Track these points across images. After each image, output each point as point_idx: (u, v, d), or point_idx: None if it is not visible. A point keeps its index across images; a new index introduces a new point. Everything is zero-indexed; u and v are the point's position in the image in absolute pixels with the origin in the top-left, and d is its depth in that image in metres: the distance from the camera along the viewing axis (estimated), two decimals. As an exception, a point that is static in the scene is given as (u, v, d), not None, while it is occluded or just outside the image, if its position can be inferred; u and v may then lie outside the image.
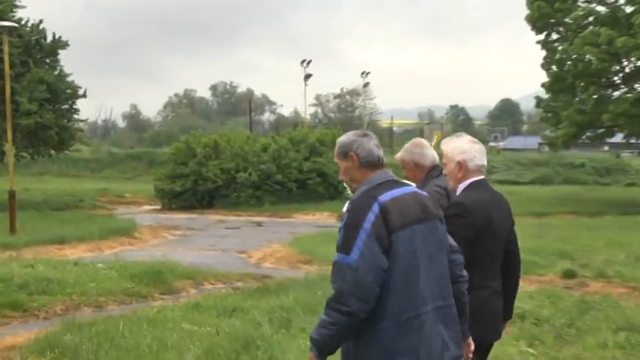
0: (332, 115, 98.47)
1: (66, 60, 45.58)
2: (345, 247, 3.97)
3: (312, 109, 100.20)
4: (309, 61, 68.02)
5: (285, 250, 20.48)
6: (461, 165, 5.10)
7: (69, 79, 38.07)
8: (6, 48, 25.35)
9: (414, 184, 4.70)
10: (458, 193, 5.10)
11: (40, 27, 37.10)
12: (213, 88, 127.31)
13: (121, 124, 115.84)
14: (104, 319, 10.23)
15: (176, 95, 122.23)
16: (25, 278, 13.06)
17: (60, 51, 37.99)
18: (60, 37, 37.61)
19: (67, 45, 37.92)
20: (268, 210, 35.92)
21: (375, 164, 4.24)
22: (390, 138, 78.18)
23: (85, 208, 35.79)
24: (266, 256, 19.97)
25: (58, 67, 38.13)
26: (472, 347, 4.51)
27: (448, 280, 4.21)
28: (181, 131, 70.77)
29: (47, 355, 8.49)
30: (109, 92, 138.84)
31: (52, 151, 38.36)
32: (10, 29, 27.35)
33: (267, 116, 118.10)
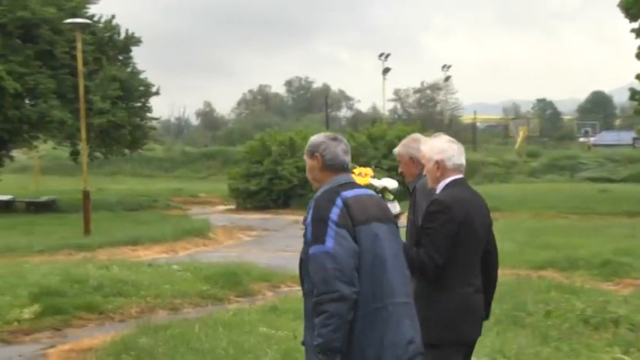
0: (412, 110, 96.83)
1: (139, 57, 45.20)
2: (317, 238, 4.16)
3: (391, 105, 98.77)
4: (388, 55, 67.03)
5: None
6: (439, 164, 5.27)
7: (142, 76, 37.83)
8: (79, 45, 24.98)
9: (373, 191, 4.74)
10: (437, 192, 5.23)
11: (113, 23, 36.77)
12: (288, 83, 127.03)
13: (195, 122, 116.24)
14: (179, 322, 10.32)
15: (250, 92, 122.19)
16: (100, 280, 13.07)
17: (133, 48, 37.72)
18: (133, 33, 37.34)
19: (140, 41, 37.61)
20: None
21: (338, 168, 4.47)
22: (473, 134, 75.94)
23: (158, 209, 35.60)
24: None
25: (131, 65, 37.87)
26: None
27: (408, 280, 4.48)
28: (255, 129, 70.28)
29: (123, 358, 8.52)
30: (183, 90, 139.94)
31: (126, 151, 38.15)
32: (83, 26, 26.97)
33: (344, 112, 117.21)
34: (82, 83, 25.02)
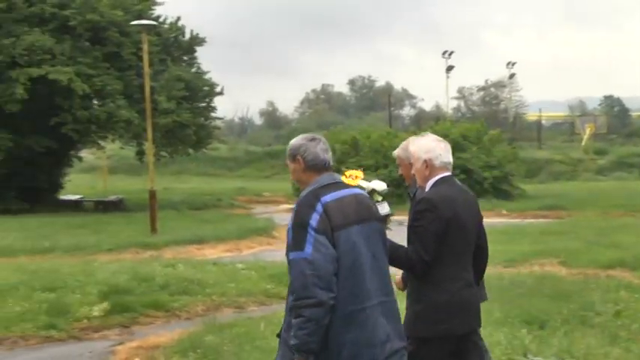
0: (475, 108, 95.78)
1: (203, 57, 45.65)
2: (297, 244, 4.28)
3: (455, 103, 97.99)
4: (451, 53, 66.63)
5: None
6: (427, 163, 5.38)
7: (206, 76, 38.10)
8: (145, 46, 25.34)
9: (357, 187, 4.81)
10: (427, 190, 5.35)
11: (178, 24, 37.14)
12: (351, 82, 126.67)
13: (258, 121, 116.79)
14: (244, 320, 10.32)
15: (313, 91, 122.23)
16: (166, 278, 13.19)
17: (197, 48, 38.01)
18: (197, 34, 37.67)
19: (205, 42, 37.94)
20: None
21: (320, 167, 4.55)
22: (538, 132, 74.88)
23: (223, 208, 35.84)
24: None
25: (196, 65, 38.20)
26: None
27: (390, 277, 4.59)
28: (318, 127, 70.44)
29: (190, 356, 8.55)
30: (246, 89, 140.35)
31: (190, 150, 38.46)
32: (149, 28, 27.38)
33: (407, 111, 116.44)
34: (147, 84, 25.35)
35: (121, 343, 10.00)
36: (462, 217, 5.24)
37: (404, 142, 6.24)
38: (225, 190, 43.21)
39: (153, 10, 36.47)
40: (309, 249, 4.26)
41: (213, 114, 38.74)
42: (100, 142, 38.05)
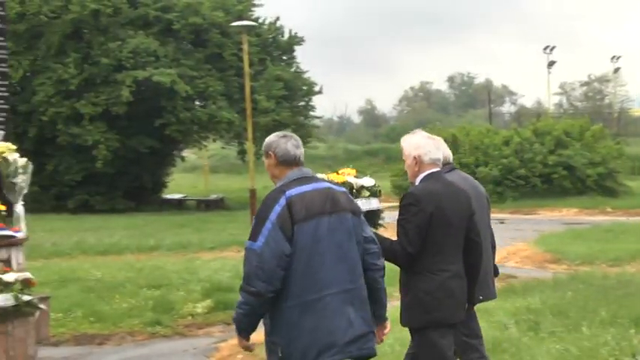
0: (578, 104, 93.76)
1: (302, 57, 46.11)
2: (253, 235, 4.59)
3: (556, 99, 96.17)
4: (553, 48, 65.48)
5: (530, 248, 19.41)
6: (417, 159, 5.63)
7: (305, 75, 38.32)
8: (245, 47, 25.70)
9: (328, 181, 5.02)
10: (416, 184, 5.62)
11: (277, 24, 37.49)
12: (450, 79, 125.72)
13: (357, 119, 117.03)
14: None
15: (411, 88, 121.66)
16: None
17: (296, 48, 38.27)
18: (296, 33, 37.93)
19: (303, 41, 38.20)
20: (510, 206, 34.23)
21: (290, 163, 4.83)
22: (644, 128, 73.03)
23: (323, 205, 35.81)
24: (509, 254, 18.95)
25: (295, 64, 38.45)
26: (387, 330, 5.09)
27: (358, 266, 4.74)
28: (417, 125, 69.75)
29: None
30: (344, 88, 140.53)
31: (290, 149, 38.64)
32: (249, 28, 27.76)
33: (507, 107, 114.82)
34: (248, 84, 25.70)
35: (224, 340, 10.11)
36: (447, 211, 5.44)
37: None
38: (324, 189, 43.34)
39: (252, 11, 36.96)
40: (260, 242, 4.55)
41: (312, 113, 39.01)
42: (201, 142, 38.73)
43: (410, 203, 5.46)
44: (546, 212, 32.68)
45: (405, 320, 5.55)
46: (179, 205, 35.38)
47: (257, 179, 27.82)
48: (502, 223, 28.87)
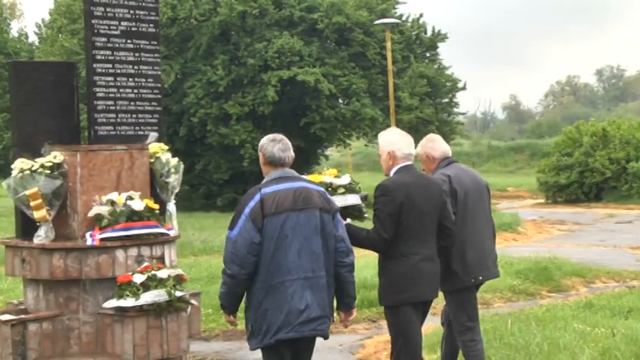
0: None
1: (445, 53, 45.76)
2: (231, 225, 5.47)
3: None
4: None
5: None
6: (391, 154, 6.32)
7: (448, 72, 38.12)
8: (389, 44, 25.86)
9: (307, 181, 5.74)
10: (389, 177, 6.29)
11: (420, 21, 37.39)
12: (599, 72, 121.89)
13: (501, 115, 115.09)
14: (491, 317, 10.31)
15: (558, 83, 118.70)
16: None
17: (439, 44, 38.09)
18: (439, 30, 37.74)
19: (447, 38, 37.96)
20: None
21: (275, 164, 5.64)
22: None
23: (466, 203, 35.50)
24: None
25: (438, 61, 38.28)
26: (352, 317, 5.89)
27: (320, 258, 5.49)
28: (564, 120, 68.37)
29: (438, 352, 8.55)
30: (488, 84, 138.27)
31: (434, 146, 38.50)
32: (392, 26, 27.83)
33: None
34: (391, 81, 25.80)
35: (369, 337, 10.24)
36: (416, 200, 6.14)
37: (422, 141, 7.22)
38: (468, 186, 42.90)
39: (396, 8, 37.05)
40: (236, 231, 5.41)
41: (455, 109, 38.79)
42: (345, 139, 39.04)
43: (382, 194, 6.15)
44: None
45: (382, 299, 6.28)
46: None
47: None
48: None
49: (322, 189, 5.72)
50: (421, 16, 37.63)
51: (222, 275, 5.52)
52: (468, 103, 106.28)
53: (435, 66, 37.89)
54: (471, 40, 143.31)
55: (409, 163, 6.31)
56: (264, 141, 5.74)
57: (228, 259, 5.45)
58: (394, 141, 6.38)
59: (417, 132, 35.86)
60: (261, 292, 5.43)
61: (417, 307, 6.22)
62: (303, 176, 5.93)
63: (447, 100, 37.96)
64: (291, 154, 5.72)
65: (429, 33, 37.70)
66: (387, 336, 10.02)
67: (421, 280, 6.15)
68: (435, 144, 7.18)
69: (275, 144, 5.69)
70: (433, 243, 6.27)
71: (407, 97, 33.98)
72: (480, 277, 7.06)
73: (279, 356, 5.56)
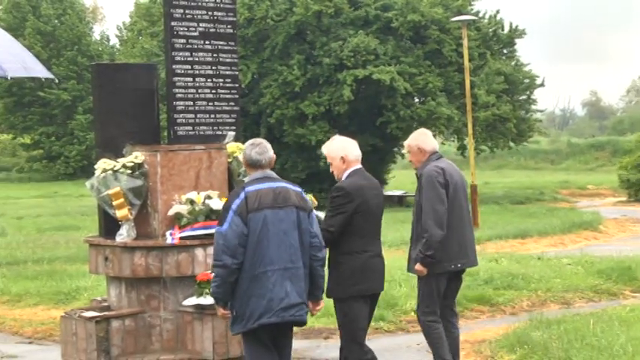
0: None
1: (524, 49, 45.21)
2: (220, 221, 6.09)
3: None
4: None
5: None
6: (344, 159, 6.94)
7: (526, 69, 37.66)
8: (465, 42, 25.71)
9: (286, 182, 6.34)
10: (343, 179, 6.90)
11: (497, 18, 37.00)
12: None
13: (580, 112, 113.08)
14: (572, 317, 10.16)
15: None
16: (490, 273, 13.22)
17: (517, 41, 37.62)
18: (517, 26, 37.25)
19: (524, 34, 37.44)
20: None
21: (254, 166, 6.27)
22: None
23: (545, 201, 35.22)
24: None
25: (515, 58, 37.82)
26: (320, 307, 6.50)
27: (298, 251, 6.11)
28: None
29: (516, 351, 8.69)
30: (567, 80, 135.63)
31: (511, 144, 38.14)
32: (468, 23, 27.66)
33: None
34: (467, 79, 25.59)
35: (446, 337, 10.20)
36: (370, 201, 6.81)
37: (413, 134, 7.82)
38: (547, 184, 42.37)
39: (472, 5, 36.70)
40: (226, 226, 5.98)
41: (533, 106, 38.28)
42: (421, 138, 38.87)
43: (339, 195, 6.76)
44: None
45: (333, 293, 6.83)
46: (400, 202, 35.67)
47: (478, 175, 27.66)
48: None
49: (300, 189, 6.33)
50: (498, 12, 37.20)
51: (214, 269, 6.06)
52: (546, 100, 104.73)
53: (513, 63, 37.43)
54: (550, 35, 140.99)
55: (360, 166, 6.96)
56: (246, 145, 6.34)
57: (220, 251, 5.97)
58: (344, 146, 7.03)
59: (494, 129, 35.57)
60: (246, 281, 6.00)
61: (366, 300, 6.86)
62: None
63: (524, 97, 37.49)
64: (269, 155, 6.29)
65: (507, 29, 37.23)
66: (465, 335, 10.02)
67: (372, 275, 6.84)
68: (427, 138, 7.72)
69: (253, 147, 6.27)
70: (380, 241, 7.02)
71: (483, 94, 33.62)
72: (459, 265, 7.61)
73: (259, 341, 6.15)
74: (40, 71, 8.28)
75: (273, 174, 6.30)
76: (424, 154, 7.59)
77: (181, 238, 7.73)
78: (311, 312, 6.46)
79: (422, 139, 7.68)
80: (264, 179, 6.18)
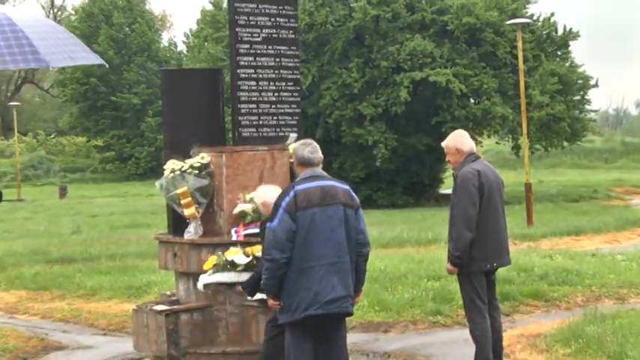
0: None
1: (578, 50, 44.87)
2: (271, 218, 6.38)
3: None
4: None
5: None
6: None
7: (580, 69, 37.55)
8: (519, 44, 25.80)
9: (334, 180, 6.61)
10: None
11: (551, 20, 36.94)
12: None
13: (634, 111, 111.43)
14: (627, 312, 10.12)
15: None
16: (545, 269, 13.27)
17: (571, 42, 37.51)
18: (570, 29, 37.16)
19: (578, 36, 37.32)
20: None
21: (305, 164, 6.55)
22: None
23: (599, 199, 34.92)
24: None
25: (569, 59, 37.73)
26: (359, 298, 6.76)
27: (344, 246, 6.37)
28: None
29: (571, 346, 8.70)
30: (621, 80, 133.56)
31: (565, 143, 38.01)
32: (523, 26, 27.81)
33: None
34: (522, 80, 25.63)
35: (503, 331, 10.31)
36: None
37: (451, 134, 7.88)
38: (601, 182, 41.91)
39: (527, 8, 36.81)
40: (276, 222, 6.27)
41: (587, 106, 38.13)
42: (476, 138, 38.91)
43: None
44: None
45: None
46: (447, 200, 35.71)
47: (532, 174, 27.62)
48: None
49: (347, 187, 6.57)
50: (552, 15, 37.11)
51: (265, 262, 6.37)
52: (600, 100, 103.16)
53: (567, 64, 37.29)
54: (604, 35, 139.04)
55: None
56: (297, 145, 6.66)
57: (269, 246, 6.29)
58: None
59: (548, 129, 35.50)
60: (294, 275, 6.27)
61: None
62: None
63: (578, 97, 37.32)
64: (320, 155, 6.60)
65: (560, 31, 37.13)
66: (520, 330, 10.18)
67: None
68: (465, 139, 7.77)
69: (305, 147, 6.58)
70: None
71: (537, 94, 33.56)
72: (495, 264, 7.72)
73: (303, 333, 6.44)
74: (86, 57, 8.32)
75: (323, 172, 6.59)
76: (461, 154, 7.68)
77: (245, 236, 8.02)
78: (355, 301, 6.68)
79: (459, 139, 7.76)
80: (313, 178, 6.44)
